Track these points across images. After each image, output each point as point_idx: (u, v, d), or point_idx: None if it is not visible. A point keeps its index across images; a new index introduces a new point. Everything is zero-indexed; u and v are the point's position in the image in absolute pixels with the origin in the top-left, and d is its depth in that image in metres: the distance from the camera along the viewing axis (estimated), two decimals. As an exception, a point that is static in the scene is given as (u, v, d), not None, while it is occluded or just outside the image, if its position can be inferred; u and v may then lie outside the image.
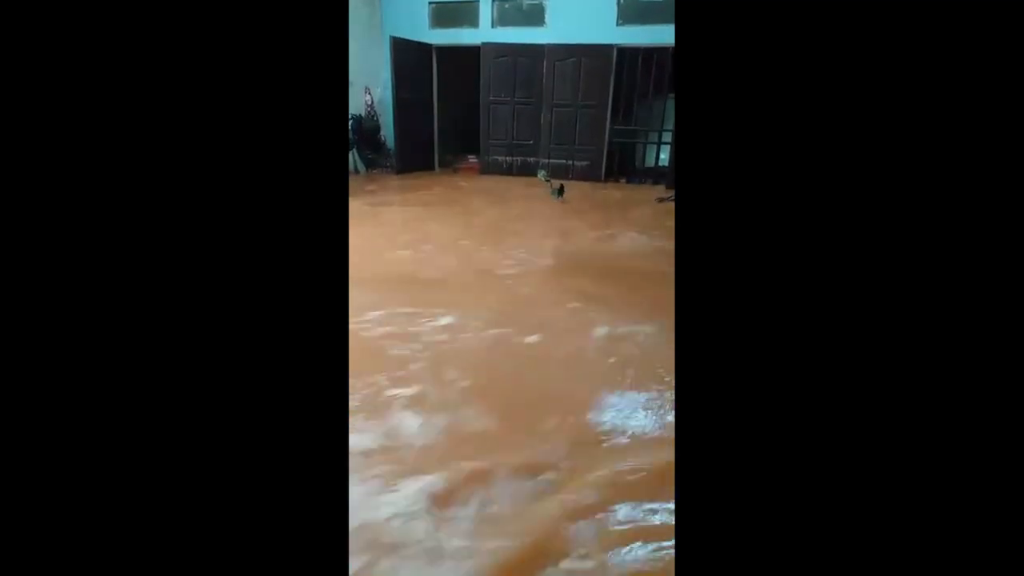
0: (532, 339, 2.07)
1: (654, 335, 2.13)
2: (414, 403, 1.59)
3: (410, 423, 1.49)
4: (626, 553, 1.07)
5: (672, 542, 1.09)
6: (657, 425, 1.52)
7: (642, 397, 1.67)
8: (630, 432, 1.48)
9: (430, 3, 6.69)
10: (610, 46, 6.13)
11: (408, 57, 6.40)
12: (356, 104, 6.61)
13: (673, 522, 1.14)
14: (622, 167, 7.00)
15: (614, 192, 6.10)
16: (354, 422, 1.46)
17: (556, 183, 5.50)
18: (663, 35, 5.86)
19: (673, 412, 1.57)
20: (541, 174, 6.13)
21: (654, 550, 1.08)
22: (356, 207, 4.51)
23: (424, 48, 6.64)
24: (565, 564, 1.04)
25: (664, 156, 7.03)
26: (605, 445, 1.43)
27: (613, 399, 1.66)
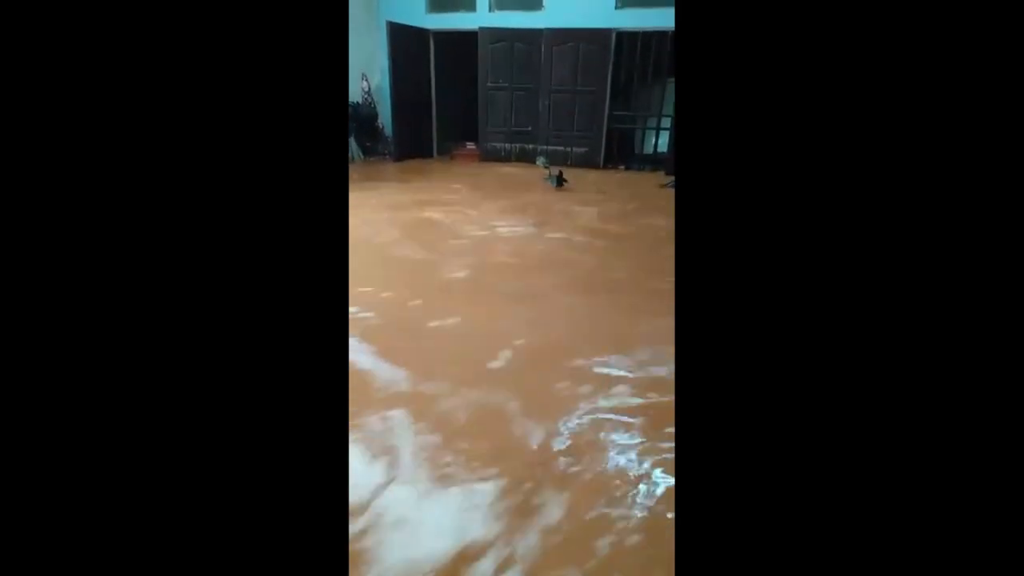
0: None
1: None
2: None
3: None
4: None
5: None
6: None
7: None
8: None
9: (426, -13, 6.60)
10: (609, 30, 6.05)
11: (405, 42, 6.30)
12: (353, 91, 6.54)
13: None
14: (621, 153, 6.94)
15: (618, 177, 6.06)
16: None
17: (555, 170, 5.46)
18: (662, 19, 5.78)
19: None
20: (540, 161, 6.07)
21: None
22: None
23: (421, 33, 6.54)
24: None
25: (663, 142, 6.97)
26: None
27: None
